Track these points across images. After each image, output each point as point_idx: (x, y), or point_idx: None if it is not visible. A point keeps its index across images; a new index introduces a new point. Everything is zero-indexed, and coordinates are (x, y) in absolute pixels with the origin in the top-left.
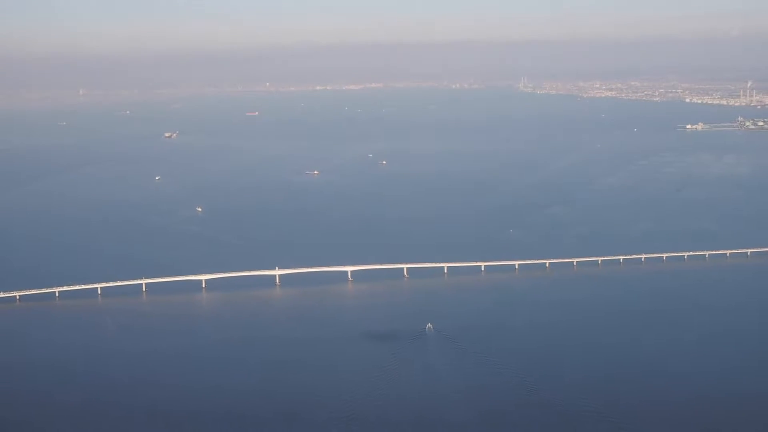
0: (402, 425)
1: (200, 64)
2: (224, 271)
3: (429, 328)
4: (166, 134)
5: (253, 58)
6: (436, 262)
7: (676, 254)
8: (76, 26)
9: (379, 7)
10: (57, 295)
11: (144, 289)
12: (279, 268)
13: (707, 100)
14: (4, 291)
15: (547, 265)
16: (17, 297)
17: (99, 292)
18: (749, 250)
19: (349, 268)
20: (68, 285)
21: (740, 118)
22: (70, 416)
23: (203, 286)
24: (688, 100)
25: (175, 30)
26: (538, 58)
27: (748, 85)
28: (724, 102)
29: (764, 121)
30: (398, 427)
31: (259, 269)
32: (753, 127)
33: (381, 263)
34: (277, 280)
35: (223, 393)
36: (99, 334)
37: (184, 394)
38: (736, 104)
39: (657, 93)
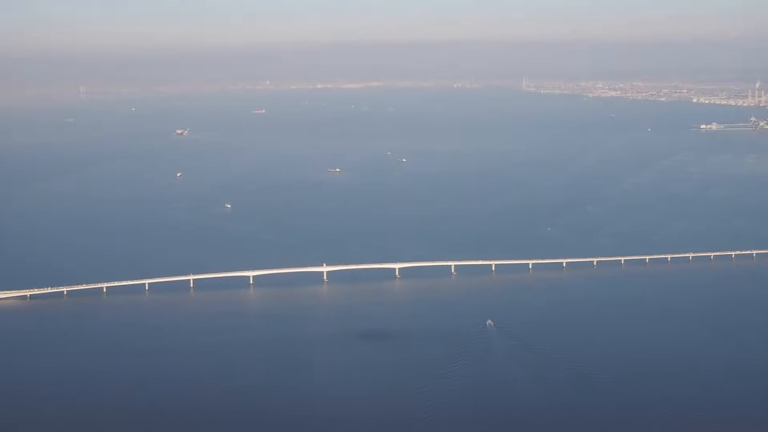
0: (484, 422)
1: (199, 62)
2: (271, 268)
3: (489, 324)
4: (178, 131)
5: (252, 56)
6: (482, 259)
7: (722, 253)
8: (74, 23)
9: (379, 5)
10: (104, 290)
11: (191, 285)
12: (327, 265)
13: (714, 100)
14: (52, 286)
15: (595, 263)
16: (65, 292)
17: (146, 288)
18: None
19: (396, 266)
20: (116, 281)
21: (753, 119)
22: (114, 415)
23: (251, 282)
24: (695, 101)
25: (173, 28)
26: (537, 58)
27: (757, 85)
28: (732, 102)
29: None
30: (480, 426)
31: (306, 266)
32: None
33: (428, 260)
34: (325, 277)
35: (289, 393)
36: (147, 330)
37: (236, 394)
38: (744, 104)
39: (662, 93)
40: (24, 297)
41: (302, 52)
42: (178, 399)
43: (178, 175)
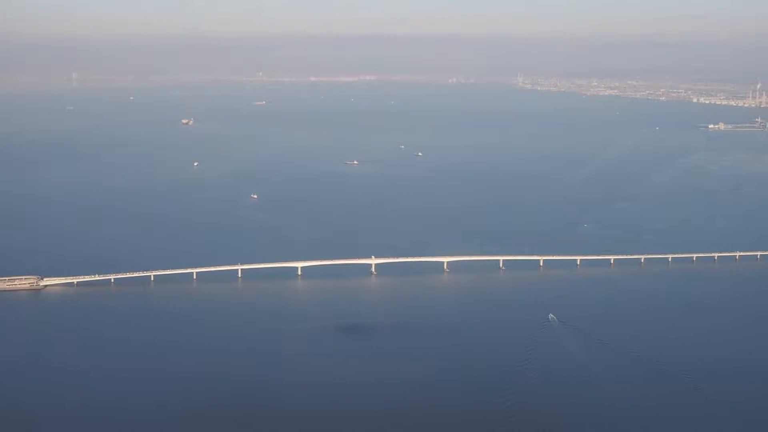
0: (564, 416)
1: (190, 53)
2: (319, 259)
3: (552, 318)
4: (183, 121)
5: (243, 47)
6: (530, 254)
7: None
8: (64, 10)
9: None
10: (152, 279)
11: (239, 275)
12: (375, 257)
13: (714, 100)
14: (100, 274)
15: (642, 260)
16: (112, 280)
17: (194, 276)
18: None
19: (445, 259)
20: (163, 269)
21: (759, 119)
22: (147, 409)
23: (299, 273)
24: (695, 100)
25: (164, 18)
26: (530, 55)
27: (758, 86)
28: (732, 103)
29: None
30: (559, 421)
31: (355, 258)
32: None
33: (476, 254)
34: (373, 269)
35: (343, 390)
36: (191, 322)
37: (284, 390)
38: (745, 105)
39: (661, 93)
40: (71, 284)
41: (295, 44)
42: (233, 395)
43: (195, 164)
